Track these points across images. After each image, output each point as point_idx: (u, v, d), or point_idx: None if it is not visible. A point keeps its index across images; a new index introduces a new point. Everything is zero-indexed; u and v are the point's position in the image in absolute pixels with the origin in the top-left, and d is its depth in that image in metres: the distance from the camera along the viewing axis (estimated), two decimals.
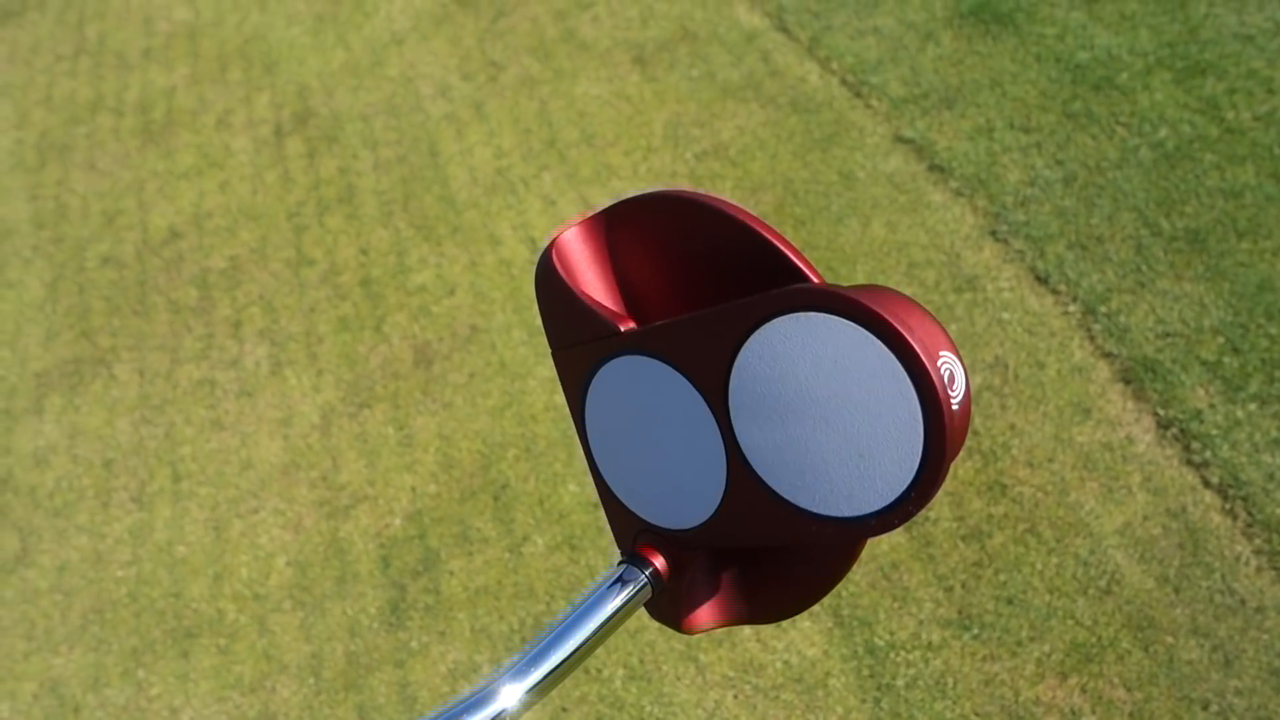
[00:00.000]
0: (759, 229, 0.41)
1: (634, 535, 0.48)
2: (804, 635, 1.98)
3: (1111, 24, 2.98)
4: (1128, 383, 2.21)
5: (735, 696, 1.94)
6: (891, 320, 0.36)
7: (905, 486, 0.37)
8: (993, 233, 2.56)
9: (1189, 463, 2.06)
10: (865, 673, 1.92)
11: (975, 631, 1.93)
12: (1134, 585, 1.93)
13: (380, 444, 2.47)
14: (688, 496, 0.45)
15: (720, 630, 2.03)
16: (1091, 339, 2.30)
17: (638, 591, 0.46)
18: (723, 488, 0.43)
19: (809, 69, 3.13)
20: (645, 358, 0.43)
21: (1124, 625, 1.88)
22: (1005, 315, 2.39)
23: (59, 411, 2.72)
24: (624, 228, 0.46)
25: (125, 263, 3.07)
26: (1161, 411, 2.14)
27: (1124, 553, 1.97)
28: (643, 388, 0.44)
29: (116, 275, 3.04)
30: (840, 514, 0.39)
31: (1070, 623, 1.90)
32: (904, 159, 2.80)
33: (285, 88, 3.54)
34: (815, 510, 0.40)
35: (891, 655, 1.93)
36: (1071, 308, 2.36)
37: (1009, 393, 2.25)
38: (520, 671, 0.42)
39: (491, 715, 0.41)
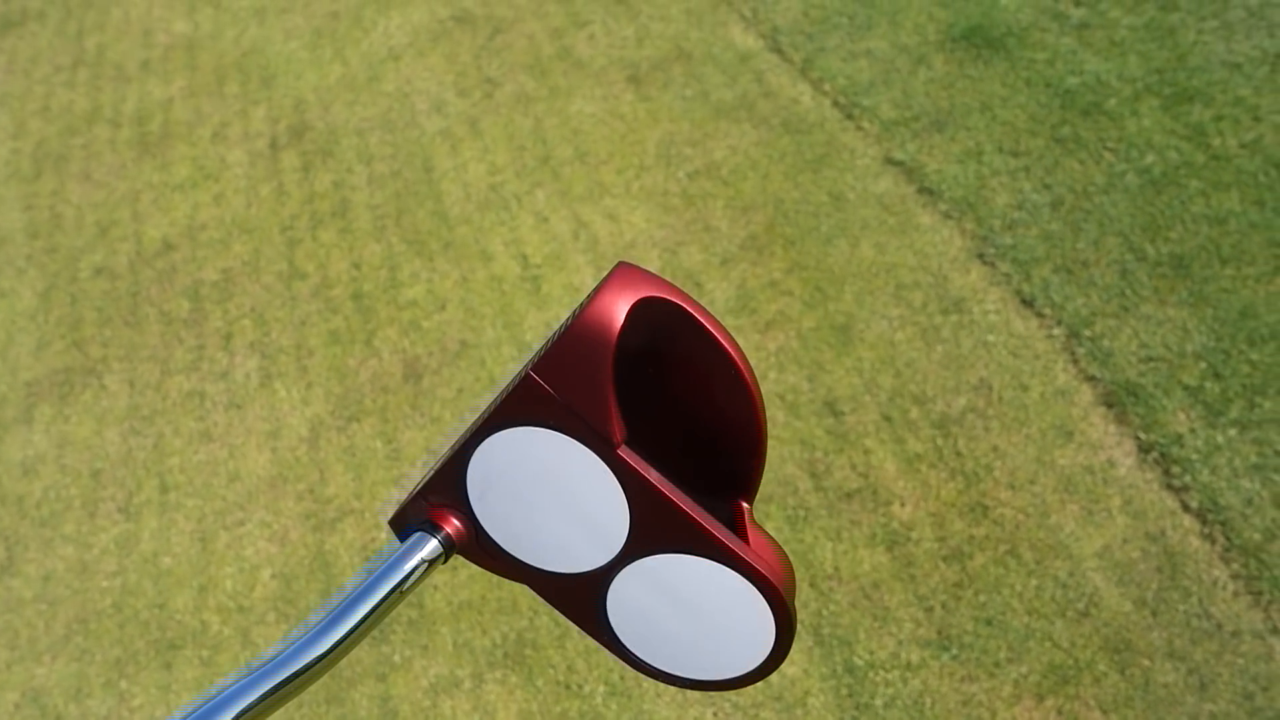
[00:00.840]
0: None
1: (425, 504, 0.48)
2: None
3: (1101, 50, 3.01)
4: (1110, 406, 2.22)
5: (714, 714, 1.94)
6: (779, 589, 0.45)
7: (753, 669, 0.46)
8: (980, 255, 2.58)
9: (1169, 487, 2.07)
10: (844, 692, 1.92)
11: (954, 652, 1.93)
12: (1112, 608, 1.94)
13: (368, 458, 2.48)
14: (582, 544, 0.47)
15: None
16: (1075, 362, 2.32)
17: (431, 556, 0.46)
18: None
19: (802, 90, 3.15)
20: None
21: (1101, 647, 1.89)
22: (990, 338, 2.40)
23: (48, 421, 2.73)
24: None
25: (118, 273, 3.08)
26: (1143, 435, 2.15)
27: (1103, 575, 1.98)
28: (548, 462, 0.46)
29: (109, 286, 3.05)
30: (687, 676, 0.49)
31: (1048, 644, 1.91)
32: (894, 181, 2.82)
33: (282, 101, 3.57)
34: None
35: (870, 675, 1.94)
36: (1056, 331, 2.38)
37: (992, 415, 2.27)
38: (314, 639, 0.43)
39: (280, 680, 0.42)
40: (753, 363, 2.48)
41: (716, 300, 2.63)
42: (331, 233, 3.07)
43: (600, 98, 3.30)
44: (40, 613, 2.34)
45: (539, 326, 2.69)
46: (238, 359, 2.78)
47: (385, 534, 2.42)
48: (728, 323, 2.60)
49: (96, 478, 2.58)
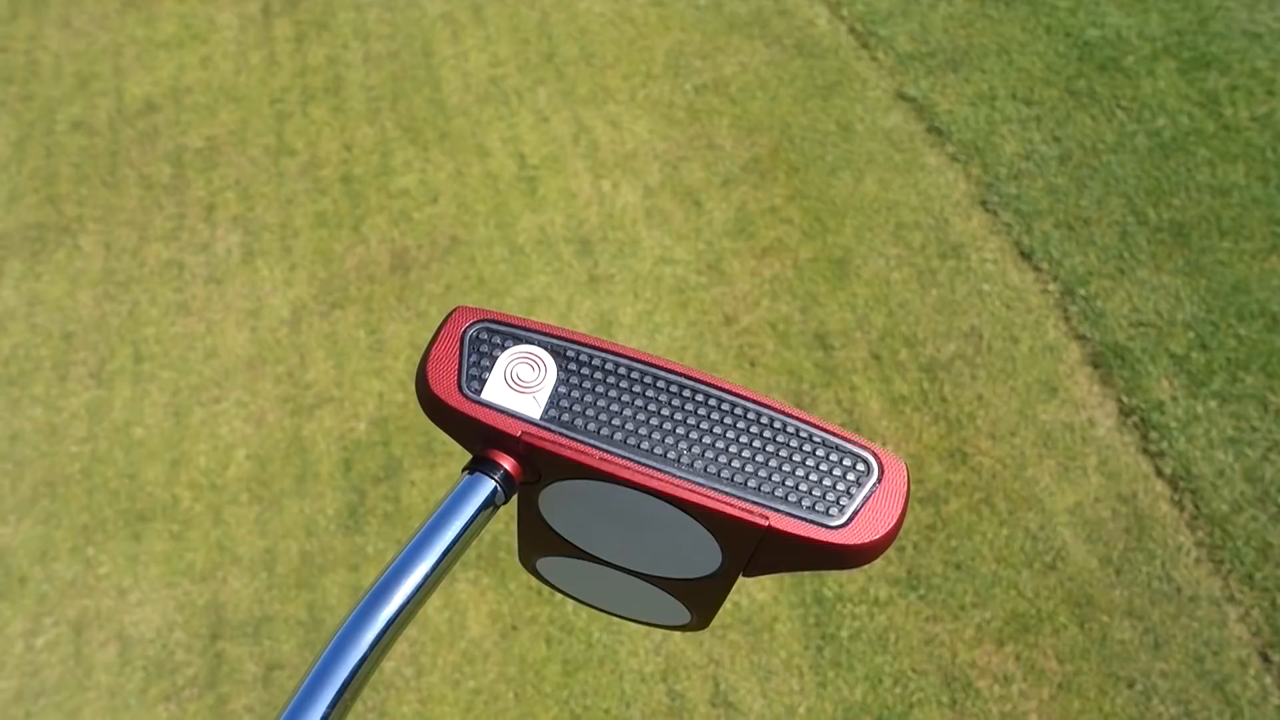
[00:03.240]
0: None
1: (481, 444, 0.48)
2: (755, 580, 2.03)
3: (1124, 4, 2.96)
4: (1096, 367, 2.25)
5: (683, 633, 1.98)
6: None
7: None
8: (983, 202, 2.57)
9: (1145, 451, 2.12)
10: (811, 621, 1.97)
11: (921, 592, 1.98)
12: (1078, 563, 1.99)
13: (350, 346, 2.45)
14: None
15: None
16: (1067, 319, 2.34)
17: (486, 500, 0.46)
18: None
19: (818, 12, 3.08)
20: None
21: (1063, 600, 1.95)
22: (986, 287, 2.41)
23: (18, 277, 2.65)
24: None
25: (97, 130, 2.96)
26: (1125, 399, 2.19)
27: (1072, 531, 2.03)
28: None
29: (87, 142, 2.94)
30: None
31: (1013, 593, 1.97)
32: (904, 117, 2.78)
33: None
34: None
35: (838, 607, 1.98)
36: (1051, 286, 2.39)
37: (980, 364, 2.29)
38: (381, 593, 0.43)
39: (369, 642, 0.42)
40: (747, 289, 2.47)
41: (715, 220, 2.60)
42: (323, 110, 2.97)
43: None
44: (6, 472, 2.30)
45: (531, 229, 2.64)
46: (219, 232, 2.71)
47: (363, 424, 2.41)
48: (724, 245, 2.58)
49: (68, 340, 2.52)
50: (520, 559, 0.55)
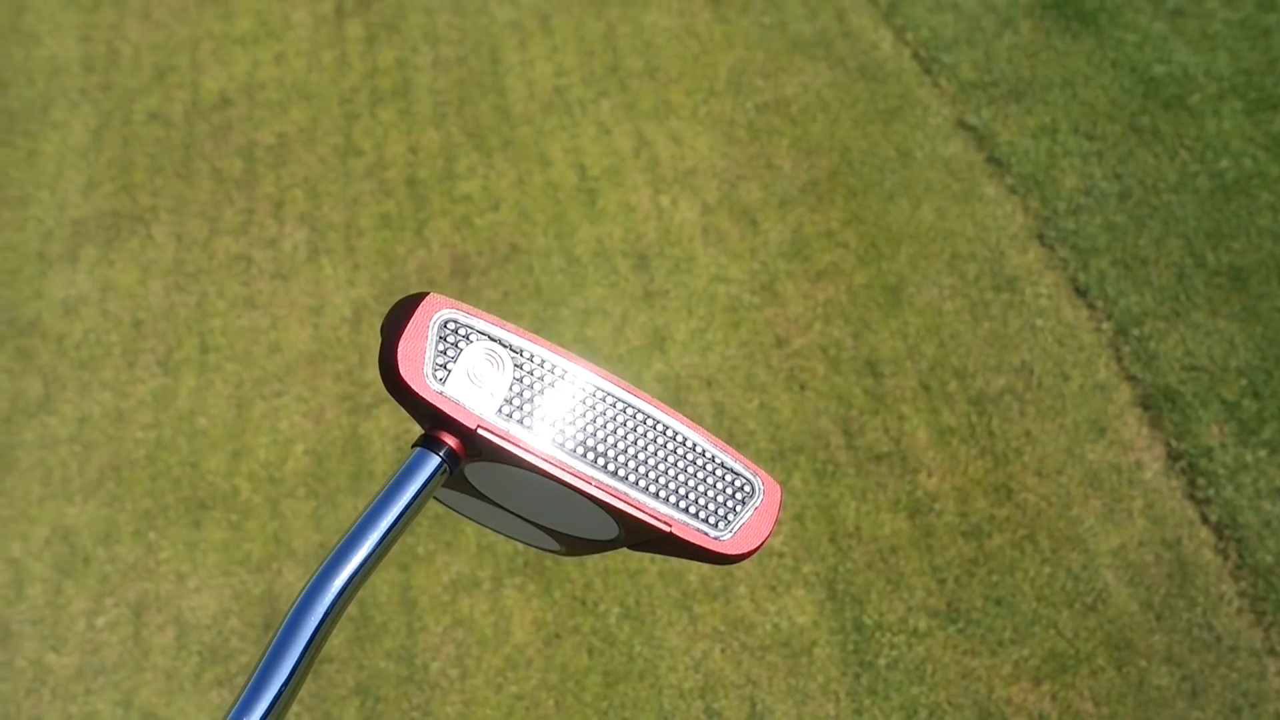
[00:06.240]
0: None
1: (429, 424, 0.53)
2: (796, 603, 2.06)
3: (1192, 40, 2.95)
4: (1146, 409, 2.26)
5: (723, 650, 2.02)
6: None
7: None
8: (1040, 236, 2.58)
9: (1192, 497, 2.12)
10: (850, 648, 2.00)
11: (960, 625, 2.01)
12: (1119, 606, 2.00)
13: None
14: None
15: (716, 585, 2.10)
16: (1119, 359, 2.34)
17: (434, 473, 0.51)
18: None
19: (883, 35, 3.09)
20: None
21: (1102, 643, 1.96)
22: (1039, 322, 2.42)
23: (93, 263, 2.74)
24: None
25: (173, 122, 3.05)
26: (1174, 443, 2.19)
27: (1114, 573, 2.04)
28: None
29: (163, 133, 3.02)
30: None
31: (1052, 632, 1.98)
32: (964, 146, 2.79)
33: None
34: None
35: (877, 635, 2.01)
36: (1105, 325, 2.40)
37: (1030, 399, 2.30)
38: (341, 556, 0.48)
39: (330, 601, 0.48)
40: (799, 312, 2.50)
41: (771, 241, 2.63)
42: (391, 112, 3.04)
43: (677, 11, 3.23)
44: (75, 454, 2.39)
45: (590, 241, 2.69)
46: (287, 228, 2.78)
47: (418, 426, 2.47)
48: (779, 266, 2.61)
49: (138, 328, 2.60)
50: None
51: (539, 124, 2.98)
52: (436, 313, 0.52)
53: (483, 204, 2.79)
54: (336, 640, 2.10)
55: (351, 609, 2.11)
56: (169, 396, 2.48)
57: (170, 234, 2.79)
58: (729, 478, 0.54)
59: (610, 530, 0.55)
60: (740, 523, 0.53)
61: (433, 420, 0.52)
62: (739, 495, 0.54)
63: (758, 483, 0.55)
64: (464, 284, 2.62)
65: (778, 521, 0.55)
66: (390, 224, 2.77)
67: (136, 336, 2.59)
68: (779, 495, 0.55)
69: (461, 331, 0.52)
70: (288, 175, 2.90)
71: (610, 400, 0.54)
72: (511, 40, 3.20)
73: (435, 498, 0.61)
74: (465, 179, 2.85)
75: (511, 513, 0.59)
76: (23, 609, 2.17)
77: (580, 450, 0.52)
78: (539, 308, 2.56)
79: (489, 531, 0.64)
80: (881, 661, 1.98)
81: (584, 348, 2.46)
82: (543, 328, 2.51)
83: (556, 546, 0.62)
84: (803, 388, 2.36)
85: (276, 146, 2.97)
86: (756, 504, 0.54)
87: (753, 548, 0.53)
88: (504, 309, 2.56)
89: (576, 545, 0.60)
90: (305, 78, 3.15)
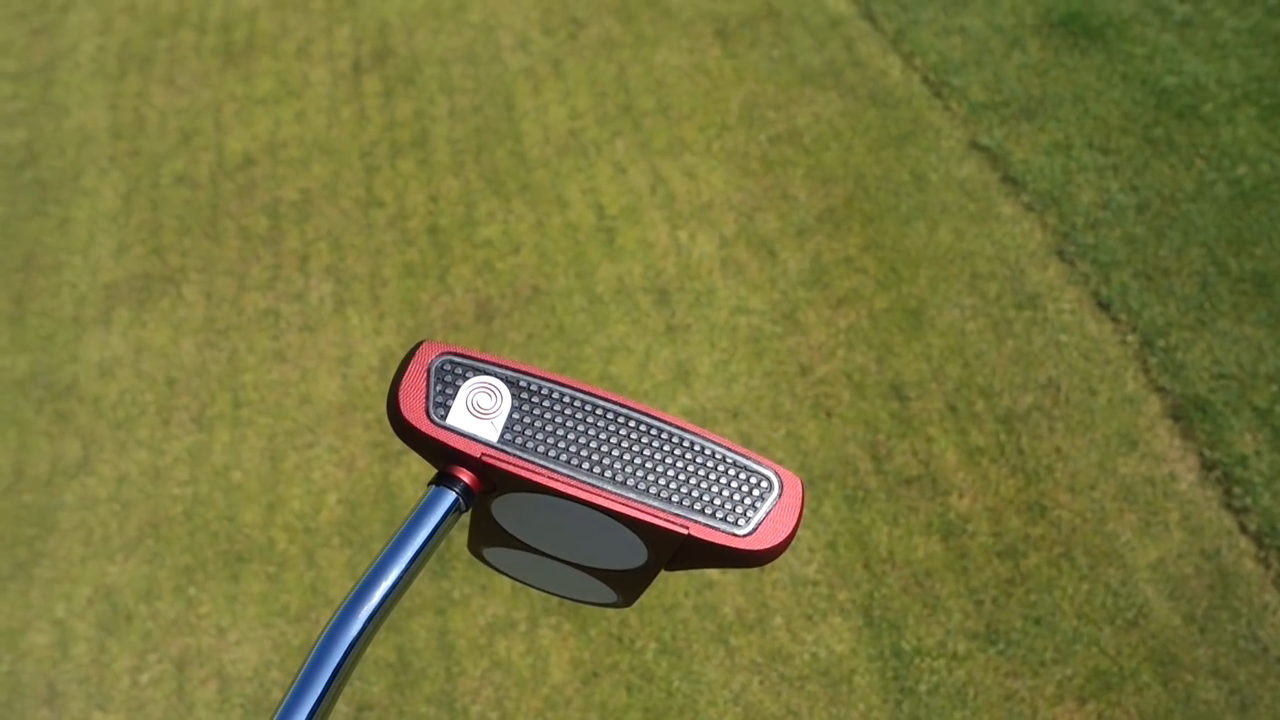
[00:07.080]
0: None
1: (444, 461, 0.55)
2: (834, 631, 2.05)
3: (1202, 51, 2.96)
4: (1177, 420, 2.24)
5: (761, 682, 2.01)
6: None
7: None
8: (1059, 252, 2.58)
9: (1229, 507, 2.10)
10: (890, 674, 1.99)
11: (1001, 647, 1.99)
12: (1161, 620, 1.98)
13: None
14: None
15: (752, 617, 2.10)
16: (1146, 371, 2.33)
17: (450, 509, 0.53)
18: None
19: (891, 62, 3.12)
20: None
21: (1146, 658, 1.94)
22: (1063, 338, 2.42)
23: (126, 325, 2.80)
24: None
25: (199, 183, 3.12)
26: (1207, 452, 2.17)
27: (1154, 587, 2.02)
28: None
29: (190, 195, 3.09)
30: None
31: (1094, 650, 1.96)
32: (978, 166, 2.80)
33: (366, 22, 3.56)
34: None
35: (917, 660, 2.00)
36: (1130, 337, 2.39)
37: (1058, 416, 2.29)
38: (363, 593, 0.49)
39: (353, 636, 0.48)
40: (822, 339, 2.50)
41: (790, 271, 2.65)
42: (410, 163, 3.09)
43: (686, 50, 3.28)
44: (114, 513, 2.43)
45: (610, 279, 2.71)
46: (313, 282, 2.83)
47: None
48: (799, 295, 2.62)
49: (171, 386, 2.65)
50: (469, 547, 0.62)
51: (555, 167, 3.02)
52: (432, 357, 0.54)
53: (503, 248, 2.83)
54: (376, 687, 2.11)
55: (390, 655, 2.12)
56: (204, 452, 2.52)
57: (200, 292, 2.84)
58: (744, 475, 0.54)
59: (640, 552, 0.56)
60: (760, 518, 0.53)
61: (443, 456, 0.54)
62: (756, 491, 0.54)
63: (775, 478, 0.55)
64: (488, 328, 2.65)
65: (802, 515, 0.54)
66: (414, 272, 2.81)
67: (170, 395, 2.64)
68: (799, 488, 0.55)
69: (457, 370, 0.54)
70: (312, 229, 2.95)
71: (611, 414, 0.55)
72: (525, 86, 3.26)
73: (486, 561, 0.63)
74: (485, 224, 2.89)
75: (550, 556, 0.60)
76: (68, 668, 2.20)
77: (586, 464, 0.53)
78: (563, 347, 2.58)
79: None
80: (922, 687, 1.96)
81: (609, 385, 2.48)
82: (567, 367, 2.54)
83: (613, 596, 0.62)
84: (829, 415, 2.37)
85: (300, 202, 3.03)
86: (776, 498, 0.54)
87: (778, 542, 0.53)
88: (528, 350, 2.58)
89: (623, 584, 0.60)
90: (326, 134, 3.21)
